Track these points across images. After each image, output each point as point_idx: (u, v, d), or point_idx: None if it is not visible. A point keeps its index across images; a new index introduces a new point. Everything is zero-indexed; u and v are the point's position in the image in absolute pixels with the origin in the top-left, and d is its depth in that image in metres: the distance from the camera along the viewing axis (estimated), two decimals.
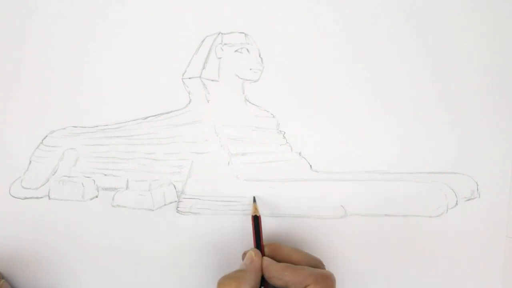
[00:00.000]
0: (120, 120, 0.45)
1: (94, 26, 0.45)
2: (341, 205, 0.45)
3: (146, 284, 0.46)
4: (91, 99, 0.45)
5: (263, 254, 0.41)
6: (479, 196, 0.45)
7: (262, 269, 0.39)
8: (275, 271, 0.39)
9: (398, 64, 0.45)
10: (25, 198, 0.46)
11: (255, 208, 0.43)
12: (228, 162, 0.45)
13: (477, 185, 0.45)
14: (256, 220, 0.42)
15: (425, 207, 0.45)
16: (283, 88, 0.45)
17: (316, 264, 0.41)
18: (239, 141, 0.45)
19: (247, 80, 0.45)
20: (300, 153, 0.45)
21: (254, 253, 0.40)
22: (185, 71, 0.45)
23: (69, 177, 0.46)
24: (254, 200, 0.44)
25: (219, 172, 0.45)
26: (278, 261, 0.40)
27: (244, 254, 0.41)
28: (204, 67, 0.45)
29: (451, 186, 0.45)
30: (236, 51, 0.45)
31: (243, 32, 0.45)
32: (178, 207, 0.45)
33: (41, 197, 0.46)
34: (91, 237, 0.46)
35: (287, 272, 0.38)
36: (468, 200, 0.45)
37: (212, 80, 0.45)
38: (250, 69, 0.45)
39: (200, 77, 0.45)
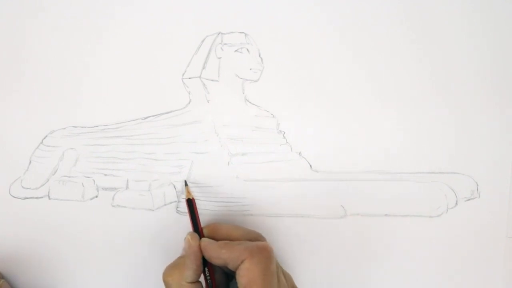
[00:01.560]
0: (120, 120, 0.45)
1: (94, 26, 0.45)
2: (341, 205, 0.45)
3: (146, 284, 0.46)
4: (91, 99, 0.45)
5: (202, 236, 0.41)
6: (479, 196, 0.45)
7: (201, 251, 0.39)
8: (213, 250, 0.39)
9: (398, 64, 0.45)
10: (25, 198, 0.46)
11: (188, 191, 0.43)
12: (228, 162, 0.45)
13: (477, 185, 0.45)
14: (190, 203, 0.42)
15: (425, 207, 0.45)
16: (283, 88, 0.45)
17: (255, 237, 0.41)
18: (239, 141, 0.45)
19: (247, 80, 0.45)
20: (300, 153, 0.45)
21: (190, 237, 0.40)
22: (185, 71, 0.45)
23: (69, 177, 0.46)
24: (186, 184, 0.44)
25: (219, 172, 0.45)
26: (218, 240, 0.40)
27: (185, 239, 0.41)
28: (204, 67, 0.45)
29: (451, 186, 0.45)
30: (236, 51, 0.45)
31: (243, 32, 0.45)
32: (178, 207, 0.45)
33: (41, 197, 0.46)
34: (91, 237, 0.46)
35: (224, 250, 0.38)
36: (468, 200, 0.45)
37: (212, 80, 0.45)
38: (250, 69, 0.45)
39: (200, 77, 0.45)
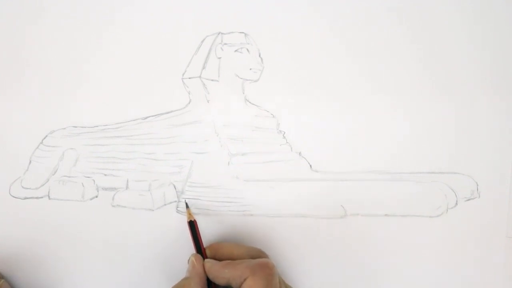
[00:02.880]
0: (120, 120, 0.45)
1: (94, 26, 0.45)
2: (341, 205, 0.45)
3: (146, 283, 0.46)
4: (91, 99, 0.45)
5: (205, 257, 0.41)
6: (479, 196, 0.45)
7: (205, 272, 0.40)
8: (216, 271, 0.39)
9: (399, 64, 0.45)
10: (25, 198, 0.46)
11: (189, 213, 0.44)
12: (228, 162, 0.45)
13: (477, 185, 0.45)
14: (192, 225, 0.43)
15: (425, 207, 0.45)
16: (283, 88, 0.45)
17: (257, 254, 0.41)
18: (239, 141, 0.45)
19: (247, 80, 0.45)
20: (300, 153, 0.45)
21: (194, 258, 0.41)
22: (185, 71, 0.45)
23: (69, 177, 0.46)
24: (187, 206, 0.44)
25: (219, 172, 0.45)
26: (220, 260, 0.41)
27: (189, 260, 0.42)
28: (204, 67, 0.45)
29: (451, 186, 0.45)
30: (236, 51, 0.45)
31: (243, 32, 0.45)
32: (178, 207, 0.45)
33: (41, 197, 0.46)
34: (91, 237, 0.46)
35: (227, 270, 0.39)
36: (468, 200, 0.45)
37: (212, 80, 0.45)
38: (250, 69, 0.45)
39: (200, 77, 0.45)
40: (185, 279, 0.40)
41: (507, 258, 0.45)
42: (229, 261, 0.40)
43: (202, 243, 0.42)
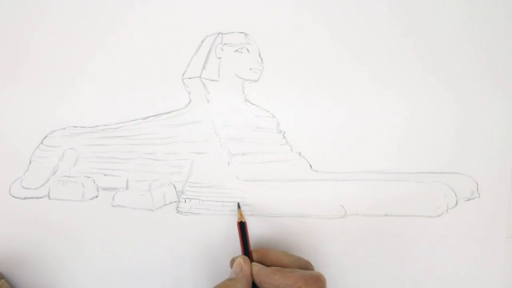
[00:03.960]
0: (120, 120, 0.45)
1: (94, 26, 0.45)
2: (341, 205, 0.45)
3: (146, 283, 0.46)
4: (91, 99, 0.45)
5: (251, 260, 0.41)
6: (479, 196, 0.45)
7: (252, 275, 0.40)
8: (265, 276, 0.39)
9: (399, 64, 0.45)
10: (25, 198, 0.46)
11: (240, 214, 0.43)
12: (228, 162, 0.45)
13: (477, 185, 0.45)
14: (242, 226, 0.42)
15: (425, 207, 0.45)
16: (283, 88, 0.45)
17: (305, 265, 0.41)
18: (239, 141, 0.45)
19: (247, 80, 0.45)
20: (300, 153, 0.45)
21: (242, 260, 0.40)
22: (185, 71, 0.45)
23: (69, 177, 0.46)
24: (239, 206, 0.44)
25: (219, 172, 0.45)
26: (267, 265, 0.40)
27: (233, 261, 0.41)
28: (204, 67, 0.45)
29: (451, 186, 0.45)
30: (236, 51, 0.45)
31: (243, 32, 0.45)
32: (178, 207, 0.45)
33: (41, 197, 0.46)
34: (91, 237, 0.46)
35: (277, 276, 0.38)
36: (468, 200, 0.45)
37: (212, 80, 0.45)
38: (250, 69, 0.45)
39: (200, 77, 0.45)
40: (231, 280, 0.39)
41: (507, 258, 0.45)
42: (279, 268, 0.39)
43: (250, 246, 0.42)
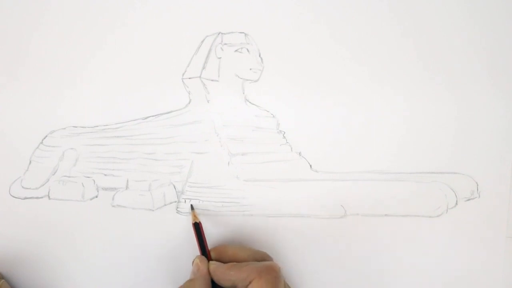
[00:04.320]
0: (120, 120, 0.45)
1: (94, 26, 0.45)
2: (341, 205, 0.45)
3: (146, 284, 0.46)
4: (91, 99, 0.45)
5: (209, 259, 0.41)
6: (479, 196, 0.45)
7: (210, 274, 0.40)
8: (221, 273, 0.39)
9: (399, 64, 0.45)
10: (25, 198, 0.46)
11: (194, 215, 0.44)
12: (228, 162, 0.45)
13: (477, 185, 0.45)
14: (197, 226, 0.43)
15: (425, 207, 0.45)
16: (283, 88, 0.45)
17: (262, 257, 0.41)
18: (239, 141, 0.45)
19: (247, 80, 0.45)
20: (300, 153, 0.45)
21: (199, 260, 0.41)
22: (185, 71, 0.45)
23: (69, 177, 0.46)
24: (192, 208, 0.44)
25: (219, 172, 0.45)
26: (225, 262, 0.40)
27: (193, 263, 0.42)
28: (204, 67, 0.45)
29: (451, 186, 0.45)
30: (236, 51, 0.45)
31: (243, 32, 0.45)
32: (178, 207, 0.45)
33: (41, 197, 0.46)
34: (91, 237, 0.46)
35: (232, 272, 0.39)
36: (468, 200, 0.45)
37: (212, 80, 0.45)
38: (250, 69, 0.45)
39: (200, 77, 0.45)
40: (190, 281, 0.40)
41: (507, 258, 0.45)
42: (234, 263, 0.40)
43: (207, 245, 0.42)
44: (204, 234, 0.43)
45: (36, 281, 0.46)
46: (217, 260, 0.41)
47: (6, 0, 0.45)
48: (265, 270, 0.38)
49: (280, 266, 0.39)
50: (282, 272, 0.39)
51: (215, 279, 0.40)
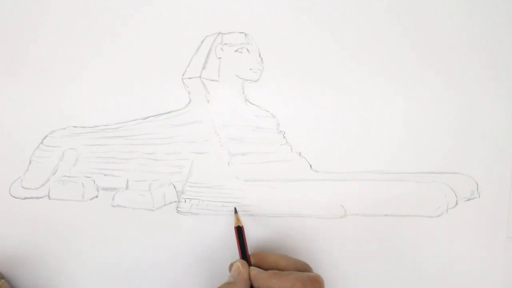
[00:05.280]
0: (120, 120, 0.45)
1: (94, 26, 0.45)
2: (341, 205, 0.45)
3: (145, 284, 0.46)
4: (91, 99, 0.45)
5: (249, 264, 0.41)
6: (479, 196, 0.45)
7: (250, 279, 0.40)
8: (263, 280, 0.39)
9: (399, 64, 0.45)
10: (25, 198, 0.46)
11: (237, 219, 0.43)
12: (228, 162, 0.45)
13: (477, 185, 0.45)
14: (240, 230, 0.42)
15: (425, 207, 0.45)
16: (283, 88, 0.45)
17: (303, 267, 0.41)
18: (239, 141, 0.45)
19: (247, 80, 0.45)
20: (300, 153, 0.45)
21: (241, 264, 0.40)
22: (185, 71, 0.45)
23: (69, 177, 0.46)
24: (236, 211, 0.44)
25: (219, 172, 0.45)
26: (265, 269, 0.40)
27: (231, 266, 0.41)
28: (204, 67, 0.45)
29: (451, 186, 0.45)
30: (236, 51, 0.45)
31: (243, 32, 0.45)
32: (178, 207, 0.45)
33: (41, 197, 0.46)
34: (91, 237, 0.46)
35: (274, 280, 0.38)
36: (468, 200, 0.45)
37: (212, 80, 0.45)
38: (250, 69, 0.45)
39: (200, 77, 0.45)
40: (229, 283, 0.40)
41: (507, 258, 0.45)
42: (276, 271, 0.39)
43: (247, 250, 0.42)
44: (245, 238, 0.42)
45: (36, 281, 0.46)
46: (257, 266, 0.41)
47: (6, 0, 0.45)
48: (309, 281, 0.37)
49: (323, 279, 0.39)
50: (324, 285, 0.38)
51: (255, 285, 0.39)
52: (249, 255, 0.42)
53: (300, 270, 0.40)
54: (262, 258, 0.42)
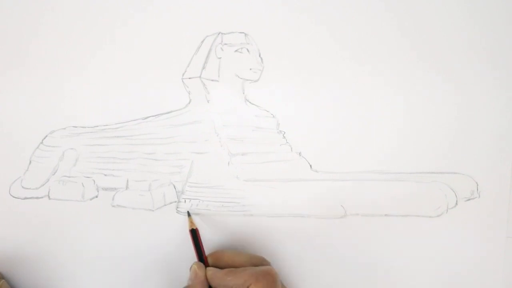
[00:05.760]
0: (120, 120, 0.45)
1: (94, 26, 0.45)
2: (341, 205, 0.45)
3: (146, 283, 0.46)
4: (91, 99, 0.45)
5: (206, 265, 0.41)
6: (479, 196, 0.45)
7: (207, 280, 0.40)
8: (219, 279, 0.39)
9: (399, 64, 0.45)
10: (25, 198, 0.46)
11: (191, 222, 0.44)
12: (228, 162, 0.45)
13: (477, 185, 0.45)
14: (194, 233, 0.43)
15: (425, 207, 0.45)
16: (283, 88, 0.45)
17: (259, 262, 0.41)
18: (239, 141, 0.45)
19: (247, 80, 0.45)
20: (300, 153, 0.45)
21: (197, 267, 0.41)
22: (185, 71, 0.45)
23: (69, 177, 0.46)
24: (189, 214, 0.44)
25: (219, 172, 0.45)
26: (222, 268, 0.41)
27: (191, 269, 0.42)
28: (204, 67, 0.45)
29: (451, 186, 0.45)
30: (236, 51, 0.45)
31: (243, 32, 0.45)
32: (178, 208, 0.45)
33: (41, 197, 0.46)
34: (91, 237, 0.46)
35: (229, 277, 0.39)
36: (468, 200, 0.45)
37: (212, 80, 0.45)
38: (250, 69, 0.45)
39: (200, 77, 0.45)
40: (187, 287, 0.41)
41: (507, 258, 0.45)
42: (231, 269, 0.40)
43: (204, 251, 0.42)
44: (201, 240, 0.43)
45: (36, 281, 0.46)
46: (214, 265, 0.41)
47: (6, 0, 0.45)
48: (262, 275, 0.38)
49: (276, 271, 0.39)
50: (278, 277, 0.39)
51: (213, 285, 0.40)
52: (205, 256, 0.42)
53: (256, 265, 0.40)
54: (218, 257, 0.42)
